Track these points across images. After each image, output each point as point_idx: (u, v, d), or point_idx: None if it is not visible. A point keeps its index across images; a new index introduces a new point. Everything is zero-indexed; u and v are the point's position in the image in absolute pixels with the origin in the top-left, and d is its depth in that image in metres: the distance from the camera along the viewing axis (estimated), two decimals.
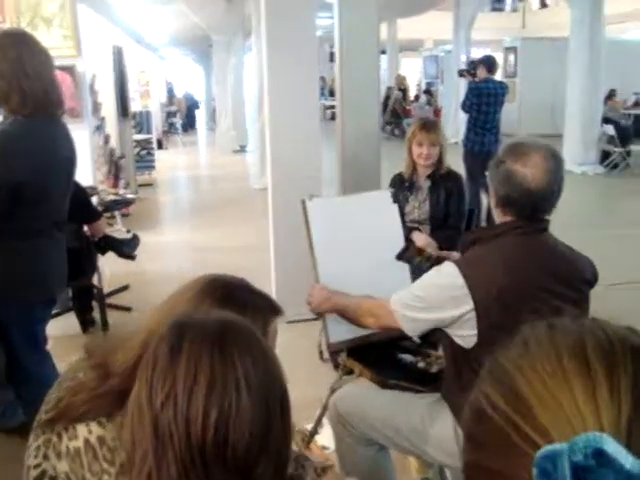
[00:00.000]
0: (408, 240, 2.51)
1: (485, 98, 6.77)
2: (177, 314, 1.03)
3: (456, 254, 2.47)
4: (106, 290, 4.76)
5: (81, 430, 1.11)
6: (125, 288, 5.16)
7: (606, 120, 10.92)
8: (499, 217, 1.90)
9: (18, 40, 2.44)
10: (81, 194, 3.69)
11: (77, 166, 2.74)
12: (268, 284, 4.55)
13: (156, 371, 0.87)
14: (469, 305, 1.75)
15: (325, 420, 2.55)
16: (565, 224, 5.63)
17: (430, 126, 3.63)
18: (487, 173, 1.93)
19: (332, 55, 7.30)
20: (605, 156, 11.08)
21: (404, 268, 2.59)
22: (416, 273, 2.57)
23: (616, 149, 10.82)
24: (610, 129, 10.75)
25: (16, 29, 4.17)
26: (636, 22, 17.87)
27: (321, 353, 3.83)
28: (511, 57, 17.16)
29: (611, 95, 12.10)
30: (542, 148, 1.79)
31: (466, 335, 1.79)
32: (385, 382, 2.17)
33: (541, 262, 1.84)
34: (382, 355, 2.38)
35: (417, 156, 3.62)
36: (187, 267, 5.94)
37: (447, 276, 1.82)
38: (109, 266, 5.13)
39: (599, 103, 10.87)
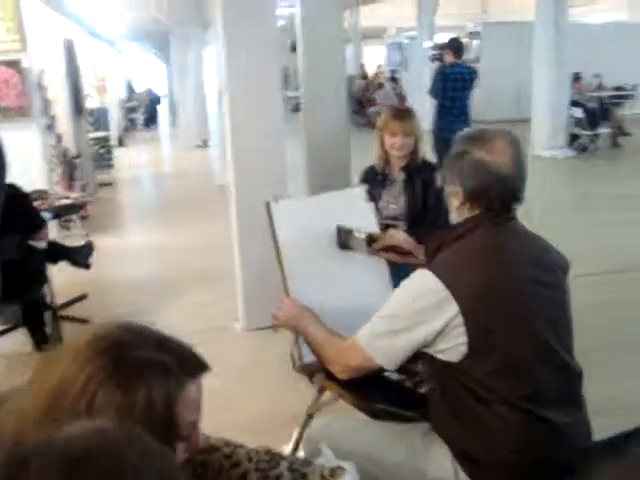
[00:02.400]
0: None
1: (452, 83, 6.55)
2: (49, 390, 0.75)
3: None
4: (61, 301, 4.42)
5: None
6: (82, 298, 4.81)
7: (574, 103, 10.82)
8: (464, 214, 1.72)
9: None
10: (22, 201, 3.39)
11: (8, 170, 2.42)
12: (233, 288, 4.27)
13: None
14: (453, 309, 1.55)
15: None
16: (539, 209, 5.50)
17: (404, 114, 3.37)
18: (442, 171, 1.79)
19: (294, 45, 7.00)
20: (573, 139, 10.99)
21: (384, 272, 2.33)
22: (397, 275, 2.32)
23: (585, 132, 10.73)
24: (578, 112, 10.66)
25: None
26: (594, 6, 17.92)
27: (294, 363, 3.58)
28: (475, 42, 17.04)
29: (577, 78, 12.02)
30: (503, 134, 1.72)
31: (452, 346, 1.57)
32: (371, 408, 1.91)
33: (519, 251, 1.68)
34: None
35: (390, 147, 3.36)
36: (150, 272, 5.63)
37: (422, 283, 1.61)
38: (65, 274, 4.80)
39: (566, 87, 10.77)
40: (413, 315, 1.61)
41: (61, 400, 0.86)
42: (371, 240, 2.20)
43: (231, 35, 3.84)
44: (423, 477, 1.69)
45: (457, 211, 1.73)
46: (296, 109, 16.54)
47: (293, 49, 7.16)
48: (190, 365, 0.95)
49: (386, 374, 2.09)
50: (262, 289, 4.13)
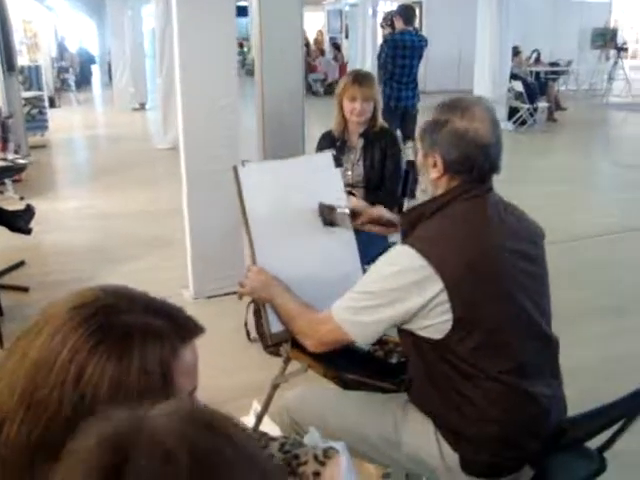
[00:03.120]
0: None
1: (401, 51, 6.45)
2: (30, 365, 0.69)
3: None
4: None
5: None
6: (20, 264, 4.59)
7: (514, 76, 10.96)
8: (443, 185, 1.67)
9: None
10: None
11: None
12: (183, 254, 4.15)
13: None
14: (437, 286, 1.50)
15: (267, 419, 2.24)
16: None
17: (363, 78, 3.30)
18: (416, 142, 1.73)
19: (239, 9, 6.78)
20: (512, 112, 11.16)
21: (351, 239, 2.28)
22: (365, 244, 2.28)
23: (524, 105, 10.91)
24: (519, 85, 10.81)
25: None
26: None
27: (248, 333, 3.51)
28: (416, 11, 17.01)
29: (517, 52, 12.17)
30: (479, 100, 1.72)
31: (436, 323, 1.53)
32: (342, 378, 1.87)
33: (499, 224, 1.64)
34: None
35: (349, 112, 3.29)
36: (91, 237, 5.41)
37: (402, 260, 1.56)
38: None
39: (507, 59, 10.88)
40: (392, 292, 1.56)
41: (44, 374, 0.78)
42: (354, 215, 2.16)
43: None
44: (405, 448, 1.67)
45: (435, 183, 1.68)
46: (251, 73, 16.30)
47: (239, 13, 6.90)
48: (184, 328, 0.87)
49: (357, 344, 2.06)
50: (212, 256, 4.04)
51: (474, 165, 1.61)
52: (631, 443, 1.76)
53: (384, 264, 1.63)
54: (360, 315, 1.61)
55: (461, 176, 1.64)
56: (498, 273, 1.57)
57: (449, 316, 1.51)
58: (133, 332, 0.80)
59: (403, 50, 6.46)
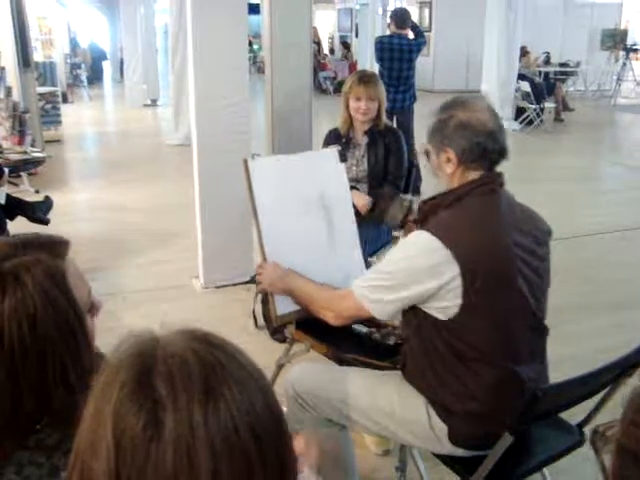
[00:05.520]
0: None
1: (388, 53, 6.51)
2: None
3: None
4: None
5: None
6: None
7: (521, 77, 11.05)
8: (458, 179, 1.77)
9: None
10: None
11: None
12: (195, 247, 4.31)
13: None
14: (454, 271, 1.61)
15: None
16: None
17: (368, 79, 3.44)
18: (425, 145, 1.83)
19: (251, 7, 6.85)
20: (519, 112, 11.25)
21: (354, 232, 2.42)
22: (369, 238, 2.43)
23: (531, 106, 11.00)
24: (526, 85, 10.89)
25: None
26: None
27: (256, 320, 3.66)
28: (426, 11, 17.11)
29: (525, 52, 12.25)
30: (475, 96, 1.86)
31: (446, 306, 1.65)
32: (342, 357, 2.02)
33: (511, 218, 1.75)
34: (332, 326, 2.22)
35: (355, 111, 3.44)
36: (104, 230, 5.57)
37: (422, 245, 1.67)
38: (16, 230, 4.72)
39: (515, 60, 10.97)
40: (409, 274, 1.66)
41: None
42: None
43: None
44: (398, 419, 1.80)
45: (450, 178, 1.77)
46: (261, 70, 16.33)
47: (251, 10, 6.98)
48: (56, 248, 1.04)
49: (356, 327, 2.21)
50: (221, 247, 4.19)
51: (485, 150, 1.71)
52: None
53: (404, 247, 1.75)
54: (378, 293, 1.72)
55: (474, 165, 1.73)
56: (508, 266, 1.66)
57: (459, 301, 1.62)
58: (19, 271, 0.96)
59: (390, 53, 6.51)
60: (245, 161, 2.18)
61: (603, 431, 0.56)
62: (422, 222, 1.79)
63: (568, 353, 3.21)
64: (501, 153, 1.75)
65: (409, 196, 2.28)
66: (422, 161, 1.90)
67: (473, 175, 1.75)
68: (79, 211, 6.16)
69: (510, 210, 1.75)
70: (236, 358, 0.68)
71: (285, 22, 3.98)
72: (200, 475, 0.59)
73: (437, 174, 1.82)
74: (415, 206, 2.24)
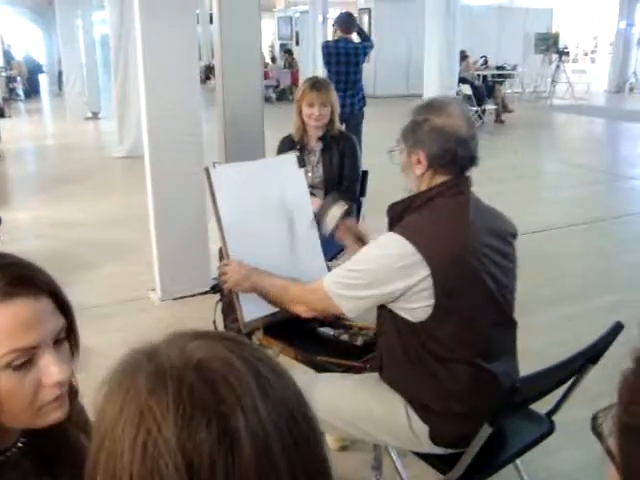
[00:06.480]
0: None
1: (334, 57, 6.56)
2: None
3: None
4: None
5: None
6: None
7: (462, 80, 11.30)
8: (426, 182, 1.79)
9: None
10: None
11: None
12: (149, 259, 4.25)
13: None
14: (424, 272, 1.63)
15: None
16: None
17: (320, 85, 3.47)
18: (401, 142, 1.83)
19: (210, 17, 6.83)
20: None
21: (315, 235, 2.44)
22: (328, 242, 2.45)
23: (472, 108, 11.26)
24: (467, 88, 11.15)
25: None
26: None
27: (216, 329, 3.64)
28: (365, 18, 17.32)
29: (464, 56, 12.54)
30: (452, 101, 1.86)
31: (417, 307, 1.67)
32: (313, 360, 2.03)
33: (480, 219, 1.78)
34: (300, 330, 2.23)
35: (308, 117, 3.46)
36: (54, 246, 5.43)
37: (393, 246, 1.69)
38: None
39: (456, 64, 11.18)
40: (379, 274, 1.68)
41: None
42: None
43: (146, 4, 3.76)
44: (376, 421, 1.82)
45: (418, 179, 1.79)
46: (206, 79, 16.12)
47: (212, 21, 6.94)
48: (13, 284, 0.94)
49: (323, 330, 2.23)
50: (178, 258, 4.14)
51: (455, 157, 1.74)
52: (574, 412, 1.96)
53: (375, 247, 1.76)
54: (348, 290, 1.74)
55: (444, 169, 1.76)
56: (476, 266, 1.69)
57: (431, 302, 1.64)
58: None
59: (337, 57, 6.57)
60: (207, 169, 2.18)
61: (604, 416, 0.58)
62: (393, 222, 1.81)
63: (524, 347, 3.29)
64: (471, 160, 1.79)
65: (343, 202, 2.29)
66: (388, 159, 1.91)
67: (442, 178, 1.77)
68: (25, 228, 5.99)
69: (479, 211, 1.79)
70: (260, 350, 0.68)
71: (234, 31, 3.98)
72: (280, 472, 0.58)
73: (406, 173, 1.84)
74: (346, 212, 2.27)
